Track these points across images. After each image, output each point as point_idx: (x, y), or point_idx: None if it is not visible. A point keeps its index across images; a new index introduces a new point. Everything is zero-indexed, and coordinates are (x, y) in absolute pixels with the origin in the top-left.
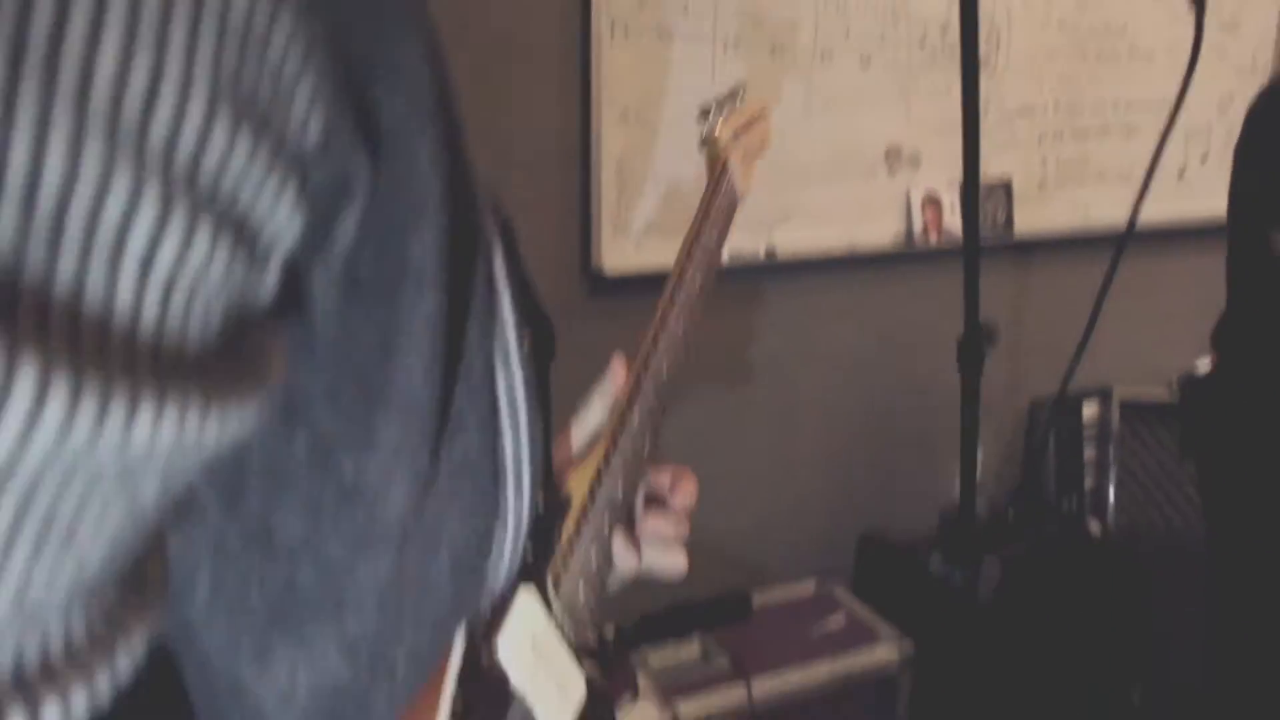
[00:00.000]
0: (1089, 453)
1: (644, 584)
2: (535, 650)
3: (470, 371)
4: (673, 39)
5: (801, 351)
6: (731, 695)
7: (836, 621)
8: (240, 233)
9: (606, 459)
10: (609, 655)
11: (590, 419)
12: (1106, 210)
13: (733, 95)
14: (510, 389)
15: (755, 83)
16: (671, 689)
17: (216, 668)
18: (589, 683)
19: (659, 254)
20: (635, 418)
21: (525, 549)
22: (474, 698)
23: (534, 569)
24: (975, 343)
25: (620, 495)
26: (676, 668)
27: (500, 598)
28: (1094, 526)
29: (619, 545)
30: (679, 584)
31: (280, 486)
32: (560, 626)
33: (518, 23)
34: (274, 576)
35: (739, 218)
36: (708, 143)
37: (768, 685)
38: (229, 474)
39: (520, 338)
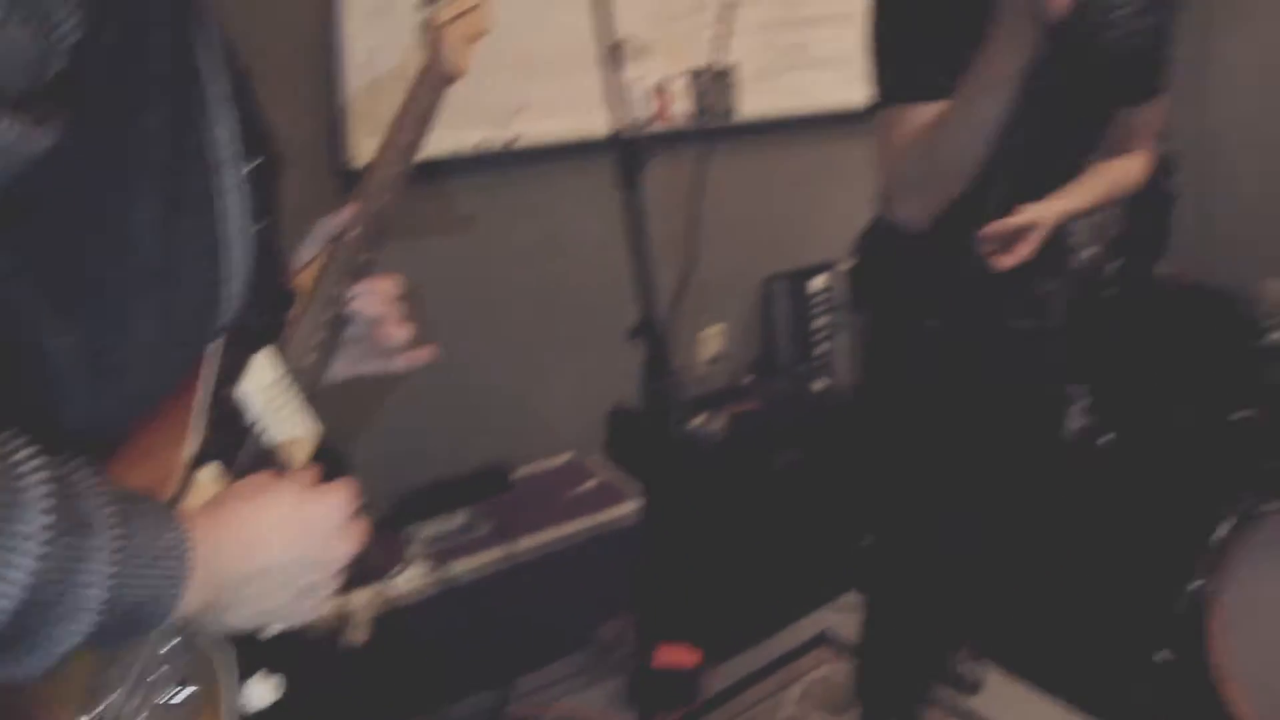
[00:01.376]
0: (818, 321)
1: (410, 459)
2: (271, 392)
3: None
4: None
5: (549, 238)
6: (494, 555)
7: (589, 486)
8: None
9: (325, 266)
10: (379, 534)
11: (313, 244)
12: (826, 94)
13: None
14: (224, 200)
15: None
16: (441, 555)
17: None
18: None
19: None
20: (352, 234)
21: (264, 321)
22: (219, 422)
23: (271, 336)
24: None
25: (339, 293)
26: (444, 537)
27: (242, 357)
28: (819, 384)
29: (345, 347)
30: (445, 459)
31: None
32: (291, 376)
33: None
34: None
35: (480, 111)
36: (427, 27)
37: (527, 545)
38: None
39: (237, 156)
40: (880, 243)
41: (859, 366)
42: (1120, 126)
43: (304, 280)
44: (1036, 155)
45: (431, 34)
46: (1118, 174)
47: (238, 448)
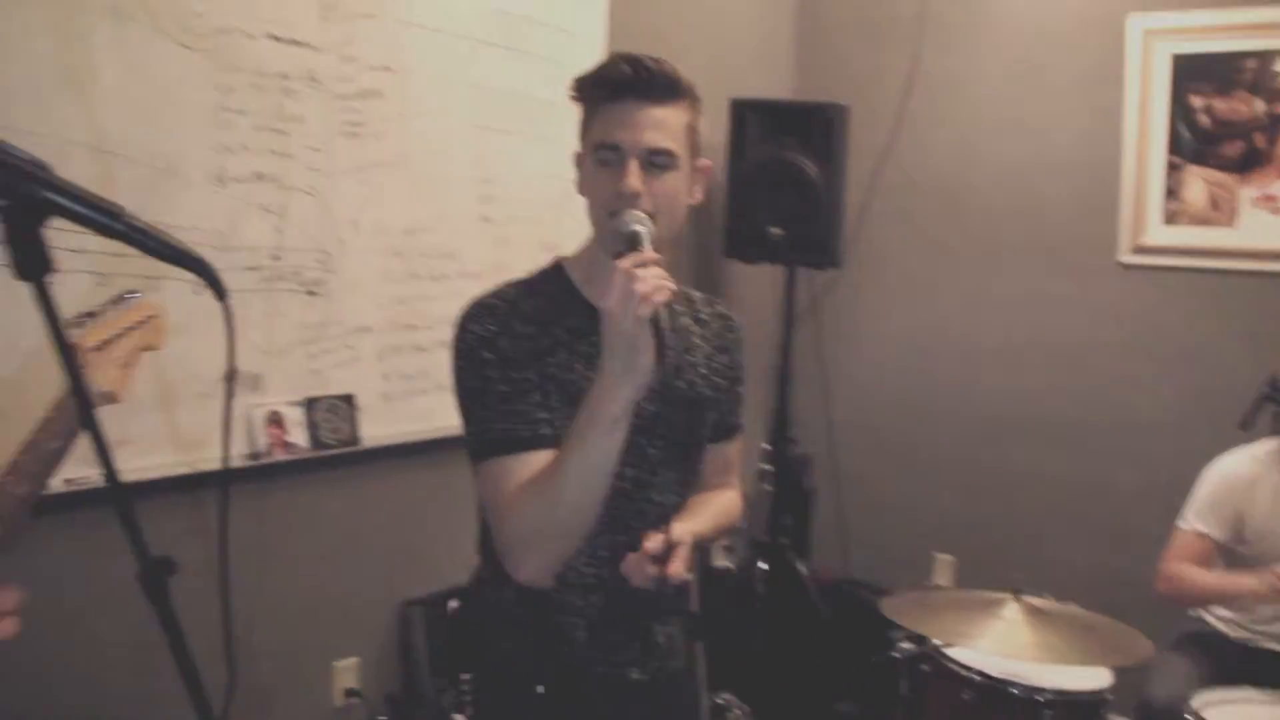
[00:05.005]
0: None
1: None
2: None
3: None
4: None
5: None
6: None
7: None
8: None
9: None
10: None
11: None
12: (450, 418)
13: (114, 302)
14: None
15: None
16: None
17: None
18: None
19: None
20: None
21: None
22: None
23: None
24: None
25: None
26: None
27: None
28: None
29: None
30: None
31: None
32: None
33: None
34: None
35: (75, 449)
36: (70, 352)
37: None
38: None
39: None
40: (478, 606)
41: None
42: (710, 462)
43: None
44: (637, 494)
45: (79, 359)
46: (724, 504)
47: None
